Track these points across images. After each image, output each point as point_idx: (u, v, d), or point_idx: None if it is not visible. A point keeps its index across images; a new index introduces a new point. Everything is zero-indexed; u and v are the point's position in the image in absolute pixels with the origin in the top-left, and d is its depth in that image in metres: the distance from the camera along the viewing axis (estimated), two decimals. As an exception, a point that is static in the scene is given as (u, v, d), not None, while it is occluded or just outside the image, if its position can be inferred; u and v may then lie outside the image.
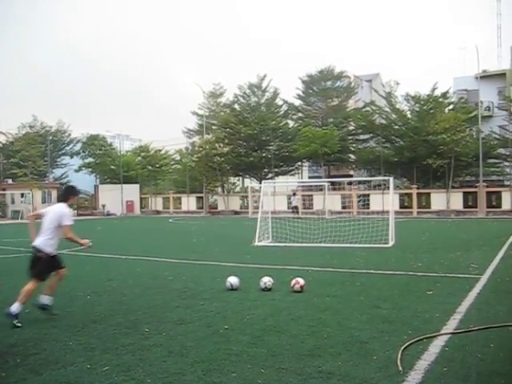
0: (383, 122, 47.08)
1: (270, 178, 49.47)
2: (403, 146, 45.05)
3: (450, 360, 5.34)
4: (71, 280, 11.04)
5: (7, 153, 53.88)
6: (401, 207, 41.07)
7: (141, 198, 55.29)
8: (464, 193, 40.98)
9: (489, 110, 48.96)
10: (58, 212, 7.76)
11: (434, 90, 44.41)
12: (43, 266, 7.59)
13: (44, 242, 7.58)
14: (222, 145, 49.43)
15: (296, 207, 39.16)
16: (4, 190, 48.92)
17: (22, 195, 46.21)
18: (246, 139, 50.85)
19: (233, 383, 4.78)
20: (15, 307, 7.13)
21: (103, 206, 51.95)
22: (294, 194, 41.02)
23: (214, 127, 53.77)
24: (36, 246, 7.60)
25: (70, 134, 62.08)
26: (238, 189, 56.18)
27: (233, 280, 9.58)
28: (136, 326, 7.00)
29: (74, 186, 9.39)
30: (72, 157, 61.59)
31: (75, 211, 54.59)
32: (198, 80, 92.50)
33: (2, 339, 6.47)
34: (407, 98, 45.58)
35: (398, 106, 46.67)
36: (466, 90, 49.14)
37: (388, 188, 21.19)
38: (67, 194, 8.30)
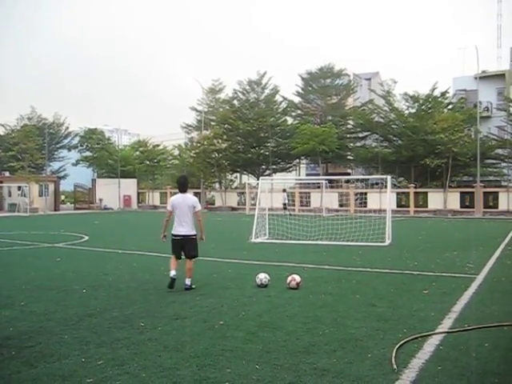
0: (381, 120, 47.10)
1: (268, 175, 49.44)
2: (401, 145, 45.11)
3: (444, 359, 5.35)
4: (67, 274, 11.06)
5: (5, 145, 53.76)
6: (398, 206, 41.09)
7: (138, 193, 55.29)
8: (461, 193, 41.01)
9: (487, 110, 49.03)
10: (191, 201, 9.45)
11: (433, 89, 44.46)
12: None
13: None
14: (220, 141, 49.36)
15: (284, 204, 38.95)
16: (1, 182, 48.80)
17: (19, 188, 46.10)
18: (245, 135, 50.82)
19: (227, 379, 4.78)
20: (189, 281, 9.20)
21: (100, 200, 51.90)
22: (284, 191, 40.84)
23: (212, 123, 53.73)
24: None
25: (67, 128, 62.00)
26: (235, 185, 56.17)
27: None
28: (131, 320, 7.00)
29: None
30: (70, 150, 61.55)
31: (72, 205, 54.64)
32: (198, 76, 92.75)
33: (-3, 331, 6.46)
34: (406, 98, 45.59)
35: (396, 105, 46.69)
36: (465, 90, 49.19)
37: (385, 187, 21.25)
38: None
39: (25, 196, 44.92)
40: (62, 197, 58.14)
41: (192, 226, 9.27)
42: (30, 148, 47.43)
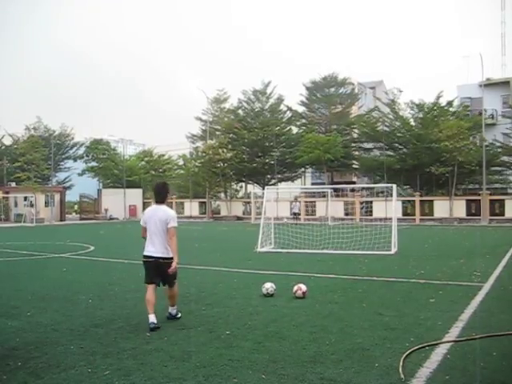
0: (386, 129, 47.11)
1: (273, 184, 49.47)
2: (406, 154, 45.10)
3: (452, 368, 5.31)
4: (73, 284, 11.06)
5: (11, 156, 53.97)
6: (404, 214, 41.02)
7: (143, 203, 55.30)
8: (467, 200, 40.91)
9: (492, 117, 48.91)
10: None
11: (438, 97, 44.47)
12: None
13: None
14: (225, 150, 49.45)
15: (297, 214, 39.14)
16: (7, 193, 48.99)
17: (25, 199, 46.24)
18: (250, 145, 50.92)
19: (234, 389, 4.76)
20: (173, 310, 7.78)
21: (106, 210, 51.98)
22: (296, 201, 41.00)
23: (217, 132, 53.87)
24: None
25: (73, 138, 62.20)
26: (240, 194, 56.17)
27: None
28: (137, 330, 6.99)
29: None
30: (75, 160, 61.68)
31: (78, 215, 54.70)
32: (202, 85, 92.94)
33: (3, 342, 6.47)
34: (411, 106, 45.60)
35: (401, 114, 46.68)
36: (469, 98, 49.13)
37: (391, 195, 21.20)
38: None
39: (31, 206, 45.05)
40: (76, 207, 58.20)
41: (166, 247, 7.39)
42: (36, 158, 47.60)
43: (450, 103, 45.19)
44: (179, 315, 7.71)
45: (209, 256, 16.56)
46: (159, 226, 7.36)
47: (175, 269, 7.34)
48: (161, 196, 7.63)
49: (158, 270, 7.34)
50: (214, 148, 48.52)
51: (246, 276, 12.15)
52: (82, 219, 52.11)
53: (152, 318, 7.05)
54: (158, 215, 7.40)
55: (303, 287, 9.24)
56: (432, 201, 42.19)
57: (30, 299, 9.34)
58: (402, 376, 5.03)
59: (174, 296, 7.65)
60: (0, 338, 6.69)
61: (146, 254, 7.47)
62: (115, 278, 11.86)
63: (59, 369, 5.40)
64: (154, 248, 7.38)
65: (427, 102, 44.69)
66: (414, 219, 40.92)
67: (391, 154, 47.24)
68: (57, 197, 49.09)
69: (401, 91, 47.16)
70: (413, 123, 46.14)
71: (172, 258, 7.32)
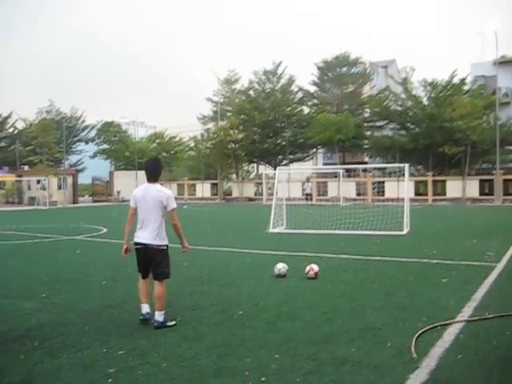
0: (399, 108, 46.74)
1: (285, 165, 49.41)
2: (419, 133, 44.75)
3: (464, 347, 5.32)
4: (87, 266, 11.17)
5: (24, 140, 54.23)
6: (416, 194, 40.87)
7: (155, 185, 55.39)
8: (480, 180, 40.66)
9: (507, 96, 48.30)
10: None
11: (452, 76, 43.96)
12: None
13: None
14: (236, 131, 49.38)
15: (309, 194, 39.15)
16: (20, 176, 49.33)
17: (38, 182, 46.55)
18: (261, 126, 50.77)
19: (247, 368, 4.80)
20: (160, 316, 6.37)
21: (118, 192, 52.23)
22: (308, 181, 40.96)
23: (228, 114, 53.71)
24: None
25: (84, 121, 62.37)
26: (252, 175, 56.17)
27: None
28: (151, 311, 7.04)
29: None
30: (87, 143, 61.96)
31: (90, 197, 55.02)
32: (213, 66, 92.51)
33: (20, 323, 6.55)
34: (424, 85, 45.12)
35: (414, 93, 46.23)
36: (483, 76, 48.50)
37: (403, 175, 21.08)
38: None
39: (44, 189, 45.35)
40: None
41: (159, 232, 6.47)
42: (48, 142, 47.80)
43: (462, 81, 44.67)
44: (171, 323, 6.34)
45: (221, 237, 16.62)
46: (153, 207, 6.44)
47: (187, 249, 6.90)
48: (154, 174, 6.65)
49: (148, 260, 6.49)
50: (225, 129, 48.45)
51: (258, 257, 12.19)
52: (94, 201, 52.43)
53: (144, 308, 6.50)
54: (152, 195, 6.47)
55: (315, 267, 9.26)
56: (445, 181, 41.97)
57: (44, 281, 9.44)
58: (415, 355, 5.05)
59: (160, 297, 6.39)
60: (16, 319, 6.79)
61: (135, 240, 6.55)
62: (128, 259, 11.87)
63: (75, 349, 5.48)
64: (144, 233, 6.47)
65: (440, 81, 44.21)
66: (427, 199, 40.75)
67: (403, 133, 46.93)
68: (69, 180, 49.35)
69: (414, 69, 46.72)
70: (425, 102, 45.69)
71: (165, 245, 6.54)
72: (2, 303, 7.70)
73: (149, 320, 6.36)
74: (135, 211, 6.62)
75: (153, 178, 6.62)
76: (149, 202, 6.47)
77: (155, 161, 7.08)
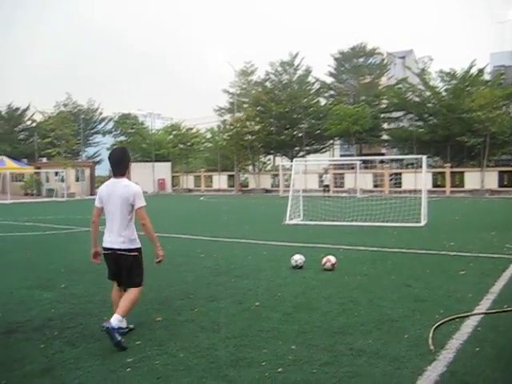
0: (416, 99, 46.34)
1: (302, 157, 49.31)
2: (437, 124, 44.38)
3: (482, 340, 5.29)
4: (105, 256, 11.25)
5: (42, 132, 54.72)
6: (434, 186, 40.59)
7: (172, 177, 55.71)
8: (499, 172, 40.22)
9: (527, 86, 47.65)
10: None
11: (471, 66, 43.47)
12: None
13: None
14: (253, 123, 49.37)
15: (327, 186, 39.07)
16: (39, 168, 49.80)
17: (56, 174, 46.97)
18: (278, 117, 50.70)
19: (264, 359, 4.82)
20: (118, 320, 5.36)
21: (135, 184, 52.46)
22: (326, 173, 40.86)
23: (245, 105, 53.73)
24: None
25: (101, 113, 62.82)
26: (269, 167, 56.15)
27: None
28: (168, 302, 7.11)
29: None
30: (104, 135, 62.46)
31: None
32: (229, 58, 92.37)
33: (39, 313, 6.64)
34: (442, 75, 44.67)
35: (431, 83, 45.80)
36: (503, 66, 47.96)
37: (421, 167, 20.95)
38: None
39: (62, 181, 45.75)
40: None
41: (129, 234, 5.63)
42: (65, 134, 48.20)
43: (481, 71, 44.14)
44: (118, 338, 5.12)
45: (238, 228, 16.65)
46: (119, 206, 5.57)
47: (162, 258, 5.93)
48: (120, 167, 5.70)
49: (117, 266, 5.65)
50: (241, 121, 48.46)
51: (275, 248, 12.20)
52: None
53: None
54: (118, 192, 5.58)
55: (332, 259, 9.25)
56: (463, 172, 41.61)
57: (63, 272, 9.54)
58: (432, 347, 5.03)
59: (128, 300, 5.51)
60: (36, 309, 6.88)
61: (103, 245, 5.70)
62: (145, 250, 11.96)
63: (93, 338, 5.54)
64: (111, 236, 5.62)
65: (459, 71, 43.74)
66: (445, 191, 40.43)
67: (421, 124, 46.56)
68: (87, 171, 49.74)
69: (431, 59, 46.23)
70: (444, 93, 45.24)
71: (136, 250, 5.66)
72: (21, 294, 7.79)
73: (124, 333, 5.45)
74: (101, 211, 5.76)
75: (119, 171, 5.69)
76: (115, 200, 5.58)
77: (121, 150, 6.03)
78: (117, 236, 5.58)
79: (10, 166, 47.69)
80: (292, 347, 5.14)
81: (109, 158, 5.80)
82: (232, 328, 5.82)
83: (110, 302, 6.49)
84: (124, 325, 5.57)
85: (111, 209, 5.62)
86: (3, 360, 4.90)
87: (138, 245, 5.68)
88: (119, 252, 5.56)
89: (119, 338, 5.12)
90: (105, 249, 5.68)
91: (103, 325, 5.22)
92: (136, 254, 5.65)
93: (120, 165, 5.70)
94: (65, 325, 6.09)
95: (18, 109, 59.33)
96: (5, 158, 48.27)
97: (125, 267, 5.59)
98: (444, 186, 41.06)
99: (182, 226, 17.72)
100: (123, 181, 5.66)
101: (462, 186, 40.81)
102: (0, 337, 5.71)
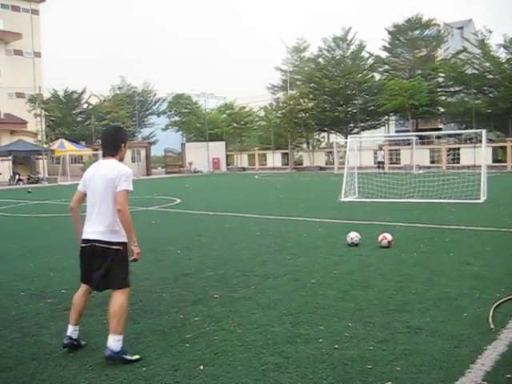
0: (475, 71, 44.77)
1: (356, 133, 48.66)
2: (497, 97, 42.78)
3: (545, 318, 5.15)
4: (162, 235, 11.49)
5: (98, 115, 55.96)
6: (494, 161, 39.27)
7: (226, 155, 56.05)
8: None
9: None
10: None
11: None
12: None
13: None
14: (306, 100, 49.00)
15: (382, 162, 38.51)
16: (96, 150, 50.96)
17: (113, 155, 48.01)
18: (331, 94, 50.12)
19: (321, 336, 4.85)
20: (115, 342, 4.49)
21: (190, 163, 53.14)
22: (381, 149, 40.25)
23: (298, 82, 53.34)
24: None
25: (155, 94, 63.61)
26: (323, 144, 55.72)
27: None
28: (225, 279, 7.20)
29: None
30: (159, 116, 63.31)
31: (163, 169, 56.30)
32: (282, 35, 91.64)
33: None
34: (505, 45, 42.82)
35: (492, 54, 44.07)
36: None
37: (480, 141, 20.35)
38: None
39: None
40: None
41: (112, 224, 4.58)
42: (121, 116, 49.20)
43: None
44: (136, 357, 4.47)
45: (293, 206, 16.66)
46: (102, 190, 4.60)
47: (138, 256, 4.65)
48: (108, 146, 4.84)
49: (94, 262, 4.61)
50: (294, 98, 48.18)
51: (331, 226, 12.16)
52: (167, 173, 53.62)
53: (69, 330, 4.70)
54: (102, 173, 4.66)
55: (388, 236, 9.15)
56: (525, 146, 40.11)
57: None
58: (492, 326, 4.94)
59: (117, 313, 4.52)
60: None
61: (82, 236, 4.70)
62: (201, 229, 12.18)
63: (153, 315, 5.70)
64: (91, 227, 4.64)
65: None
66: (505, 166, 39.11)
67: (480, 97, 45.06)
68: (142, 152, 50.61)
69: (490, 31, 44.39)
70: (506, 65, 43.47)
71: (119, 244, 4.60)
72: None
73: (73, 346, 4.69)
74: (84, 196, 4.81)
75: (107, 150, 4.82)
76: (97, 181, 4.65)
77: (113, 129, 5.59)
78: (96, 224, 4.61)
79: (69, 148, 48.89)
80: (348, 324, 5.14)
81: (101, 137, 5.21)
82: (288, 305, 5.87)
83: (168, 279, 6.60)
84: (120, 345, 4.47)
85: (93, 193, 4.67)
86: (60, 332, 5.05)
87: (122, 238, 4.63)
88: (98, 244, 4.57)
89: (129, 357, 4.42)
90: (83, 241, 4.69)
91: (104, 355, 4.41)
92: (119, 248, 4.58)
93: (108, 144, 4.84)
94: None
95: (74, 92, 60.61)
96: (64, 141, 49.55)
97: (106, 264, 4.55)
98: (505, 161, 39.69)
99: (237, 204, 17.88)
100: (110, 161, 4.73)
101: (525, 161, 39.40)
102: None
